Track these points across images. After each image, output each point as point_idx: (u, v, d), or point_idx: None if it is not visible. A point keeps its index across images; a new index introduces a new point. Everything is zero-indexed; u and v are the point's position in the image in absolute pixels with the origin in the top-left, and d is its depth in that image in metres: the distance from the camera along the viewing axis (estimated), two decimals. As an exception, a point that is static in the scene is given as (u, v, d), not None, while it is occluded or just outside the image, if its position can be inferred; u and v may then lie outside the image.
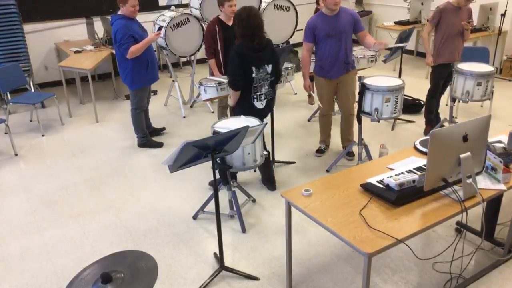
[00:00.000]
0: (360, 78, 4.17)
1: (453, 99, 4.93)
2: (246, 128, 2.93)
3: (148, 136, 5.27)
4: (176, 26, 6.16)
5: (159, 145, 5.26)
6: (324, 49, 4.34)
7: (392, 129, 5.55)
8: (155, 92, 7.02)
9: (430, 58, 4.98)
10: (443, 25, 4.83)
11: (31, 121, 6.14)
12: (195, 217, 3.87)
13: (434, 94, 5.17)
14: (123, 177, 4.61)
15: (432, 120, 5.31)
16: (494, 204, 3.27)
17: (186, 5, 7.03)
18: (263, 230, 3.69)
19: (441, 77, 5.05)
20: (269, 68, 3.84)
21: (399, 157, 3.13)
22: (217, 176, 3.65)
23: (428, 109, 5.29)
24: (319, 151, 4.85)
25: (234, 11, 4.67)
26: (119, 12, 4.75)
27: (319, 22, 4.29)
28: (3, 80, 5.56)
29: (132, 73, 4.83)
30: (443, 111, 5.53)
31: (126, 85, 5.03)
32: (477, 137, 2.61)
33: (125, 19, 4.70)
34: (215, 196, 3.08)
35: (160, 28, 4.85)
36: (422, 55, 8.63)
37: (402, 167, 2.91)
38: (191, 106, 6.51)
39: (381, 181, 2.72)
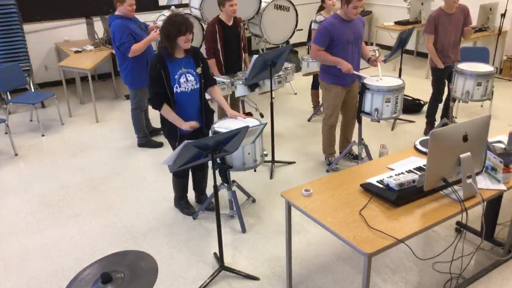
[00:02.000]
0: (360, 78, 4.16)
1: (453, 99, 4.93)
2: (246, 128, 2.93)
3: (148, 136, 5.27)
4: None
5: (159, 145, 5.26)
6: (343, 56, 4.05)
7: (392, 129, 5.55)
8: (155, 92, 7.01)
9: (442, 66, 4.87)
10: (439, 31, 4.82)
11: (31, 121, 6.14)
12: (195, 217, 3.87)
13: (438, 97, 5.16)
14: (123, 177, 4.61)
15: (433, 121, 5.30)
16: (494, 204, 3.27)
17: (186, 5, 7.04)
18: (263, 230, 3.69)
19: (442, 80, 5.04)
20: None
21: (399, 157, 3.13)
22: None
23: (430, 111, 5.28)
24: (330, 164, 4.62)
25: (235, 10, 4.67)
26: (116, 12, 4.77)
27: (337, 26, 3.99)
28: (3, 80, 5.56)
29: (132, 73, 4.84)
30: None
31: (126, 85, 5.04)
32: (477, 137, 2.61)
33: (122, 18, 4.71)
34: (215, 196, 3.08)
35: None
36: (422, 55, 8.63)
37: (402, 167, 2.91)
38: (191, 106, 6.50)
39: (381, 181, 2.72)
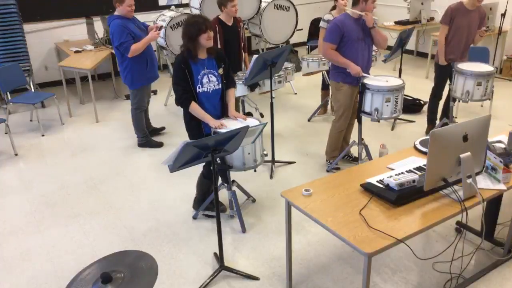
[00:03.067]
0: (359, 78, 4.16)
1: (453, 99, 4.93)
2: (246, 128, 2.93)
3: (148, 136, 5.27)
4: (176, 26, 6.17)
5: (159, 145, 5.26)
6: (354, 53, 4.08)
7: (392, 129, 5.55)
8: (155, 92, 7.02)
9: (444, 63, 4.88)
10: (453, 26, 4.80)
11: (31, 121, 6.14)
12: (195, 217, 3.87)
13: (436, 93, 5.16)
14: (123, 177, 4.61)
15: (434, 120, 5.30)
16: (494, 204, 3.27)
17: (186, 5, 7.04)
18: (263, 230, 3.69)
19: (444, 77, 5.03)
20: None
21: (399, 157, 3.13)
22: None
23: (430, 108, 5.28)
24: (337, 168, 4.60)
25: (237, 10, 4.69)
26: (116, 13, 4.77)
27: (348, 24, 4.03)
28: (3, 80, 5.56)
29: (132, 73, 4.84)
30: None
31: (126, 85, 5.04)
32: (477, 137, 2.61)
33: (121, 19, 4.71)
34: (215, 196, 3.08)
35: (160, 28, 4.87)
36: (422, 55, 8.63)
37: (402, 167, 2.91)
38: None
39: (381, 181, 2.72)
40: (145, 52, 4.81)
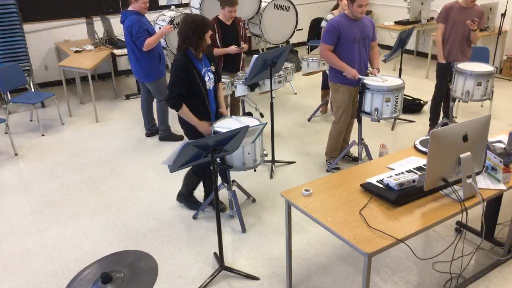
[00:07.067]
0: (359, 78, 4.16)
1: (453, 99, 4.93)
2: (246, 128, 2.93)
3: (169, 129, 5.32)
4: (176, 26, 6.17)
5: (180, 138, 5.27)
6: (350, 55, 4.08)
7: (392, 129, 5.55)
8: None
9: (443, 61, 4.92)
10: (448, 24, 4.82)
11: (31, 121, 6.14)
12: (195, 217, 3.87)
13: (438, 92, 5.16)
14: (123, 177, 4.61)
15: (436, 120, 5.30)
16: (494, 204, 3.27)
17: (186, 5, 7.04)
18: (263, 230, 3.69)
19: (444, 76, 5.03)
20: None
21: (399, 157, 3.13)
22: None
23: (431, 107, 5.29)
24: (337, 168, 4.60)
25: (232, 17, 4.76)
26: (130, 8, 4.86)
27: (345, 25, 4.01)
28: (3, 80, 5.56)
29: (148, 66, 4.95)
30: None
31: (141, 80, 5.13)
32: (477, 137, 2.61)
33: (136, 14, 4.78)
34: (215, 196, 3.08)
35: (171, 21, 4.97)
36: (422, 55, 8.63)
37: (402, 167, 2.91)
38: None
39: (381, 181, 2.72)
40: (157, 47, 4.94)
